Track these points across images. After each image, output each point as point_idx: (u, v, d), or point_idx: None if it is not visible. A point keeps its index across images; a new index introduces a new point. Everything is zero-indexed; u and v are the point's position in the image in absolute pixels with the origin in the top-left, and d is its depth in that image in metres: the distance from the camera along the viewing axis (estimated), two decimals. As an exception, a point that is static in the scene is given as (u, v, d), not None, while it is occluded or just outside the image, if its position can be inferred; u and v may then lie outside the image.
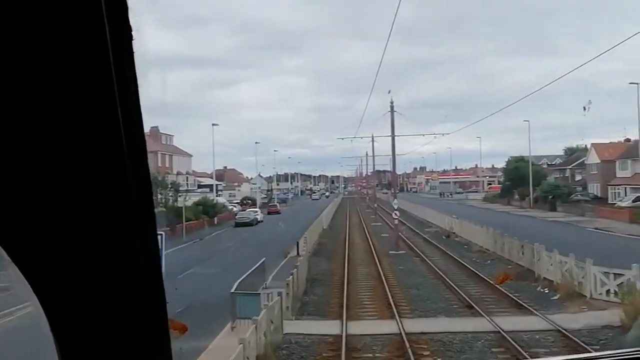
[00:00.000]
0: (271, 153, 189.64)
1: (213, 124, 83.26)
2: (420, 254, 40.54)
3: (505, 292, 26.62)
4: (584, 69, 79.78)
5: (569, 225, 58.19)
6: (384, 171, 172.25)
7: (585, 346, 17.45)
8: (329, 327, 21.58)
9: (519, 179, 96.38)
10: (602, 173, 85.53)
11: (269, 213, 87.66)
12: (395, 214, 45.41)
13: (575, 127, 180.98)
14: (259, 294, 21.24)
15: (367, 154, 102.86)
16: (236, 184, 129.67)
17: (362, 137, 66.86)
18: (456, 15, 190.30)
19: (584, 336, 18.95)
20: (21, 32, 0.92)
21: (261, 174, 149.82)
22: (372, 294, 27.64)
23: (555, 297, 25.36)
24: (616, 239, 44.74)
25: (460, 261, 36.00)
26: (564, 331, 19.50)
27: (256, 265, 27.66)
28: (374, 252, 41.94)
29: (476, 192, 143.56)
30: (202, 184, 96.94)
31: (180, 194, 64.24)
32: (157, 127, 78.06)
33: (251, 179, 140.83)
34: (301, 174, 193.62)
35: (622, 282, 23.17)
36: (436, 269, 33.50)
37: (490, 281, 29.17)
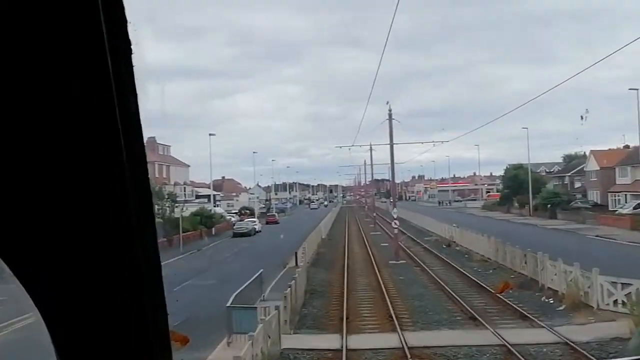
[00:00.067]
0: (269, 163, 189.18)
1: (210, 134, 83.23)
2: (421, 263, 39.86)
3: (509, 302, 25.95)
4: (582, 76, 79.47)
5: (570, 233, 57.58)
6: (383, 180, 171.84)
7: (595, 360, 16.83)
8: (328, 341, 20.90)
9: (518, 186, 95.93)
10: (602, 180, 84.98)
11: (267, 223, 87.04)
12: (395, 223, 44.74)
13: (572, 134, 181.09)
14: (256, 307, 20.57)
15: (365, 163, 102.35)
16: (234, 194, 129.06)
17: (360, 146, 66.61)
18: (453, 24, 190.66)
19: (593, 349, 18.29)
20: (22, 45, 0.92)
21: (259, 184, 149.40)
22: (373, 306, 26.96)
23: (561, 308, 24.70)
24: (619, 247, 44.11)
25: (462, 271, 35.33)
26: (572, 344, 18.83)
27: (253, 277, 27.03)
28: (373, 262, 41.27)
29: (475, 200, 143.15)
30: (200, 194, 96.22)
31: (177, 204, 63.46)
32: (154, 137, 77.52)
33: (249, 189, 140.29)
34: (299, 184, 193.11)
35: (630, 292, 22.52)
36: (437, 279, 32.83)
37: (493, 291, 28.49)
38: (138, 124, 1.04)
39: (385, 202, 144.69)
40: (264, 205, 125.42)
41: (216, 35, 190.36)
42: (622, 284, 23.11)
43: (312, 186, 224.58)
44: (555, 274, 27.41)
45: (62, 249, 1.00)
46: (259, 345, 16.74)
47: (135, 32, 1.03)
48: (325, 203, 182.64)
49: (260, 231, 74.02)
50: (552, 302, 26.05)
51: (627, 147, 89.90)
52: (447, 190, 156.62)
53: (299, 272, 29.41)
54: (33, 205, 0.97)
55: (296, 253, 38.58)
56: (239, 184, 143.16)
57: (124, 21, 1.01)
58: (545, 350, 18.82)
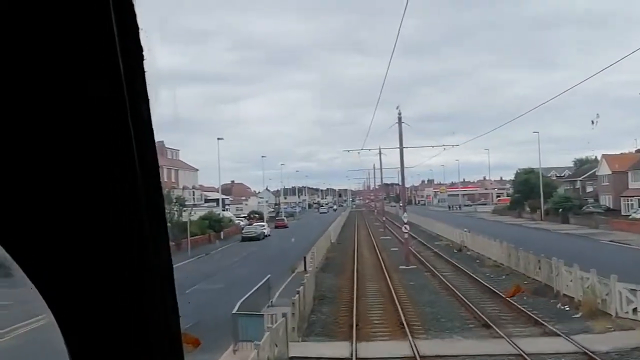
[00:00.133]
0: (279, 167, 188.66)
1: (218, 138, 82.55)
2: (432, 268, 39.14)
3: (523, 309, 25.21)
4: (592, 81, 78.49)
5: (583, 238, 56.69)
6: (392, 184, 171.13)
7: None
8: (337, 349, 20.26)
9: (528, 191, 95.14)
10: (614, 184, 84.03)
11: (276, 227, 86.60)
12: (405, 227, 44.01)
13: (582, 138, 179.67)
14: (262, 315, 19.95)
15: (374, 167, 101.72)
16: (244, 198, 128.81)
17: (369, 149, 65.86)
18: (460, 29, 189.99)
19: None
20: (35, 53, 0.94)
21: (269, 188, 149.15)
22: (383, 312, 26.28)
23: (577, 315, 23.94)
24: (635, 253, 43.21)
25: (474, 276, 34.58)
26: (591, 354, 18.11)
27: (260, 283, 26.44)
28: (383, 267, 40.58)
29: (485, 204, 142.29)
30: (209, 198, 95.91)
31: (185, 208, 63.00)
32: (162, 141, 77.08)
33: (259, 193, 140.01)
34: (309, 188, 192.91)
35: (650, 300, 21.77)
36: (449, 285, 32.10)
37: (508, 298, 27.75)
38: (150, 129, 1.05)
39: (394, 206, 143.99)
40: (273, 210, 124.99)
41: (225, 40, 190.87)
42: (642, 291, 22.35)
43: (321, 190, 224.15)
44: (571, 281, 26.64)
45: (76, 252, 1.00)
46: (266, 353, 16.13)
47: (147, 38, 1.04)
48: (335, 207, 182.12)
49: (269, 235, 73.50)
50: (567, 309, 25.29)
51: (639, 151, 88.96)
52: (457, 195, 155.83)
53: (307, 277, 28.77)
54: (46, 209, 0.98)
55: (305, 258, 37.93)
56: (249, 188, 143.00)
57: (135, 28, 1.02)
58: (563, 360, 18.12)
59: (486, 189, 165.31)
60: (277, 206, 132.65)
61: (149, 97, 1.06)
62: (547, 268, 29.91)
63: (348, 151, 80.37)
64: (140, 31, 1.03)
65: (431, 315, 25.09)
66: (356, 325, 23.14)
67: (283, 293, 29.71)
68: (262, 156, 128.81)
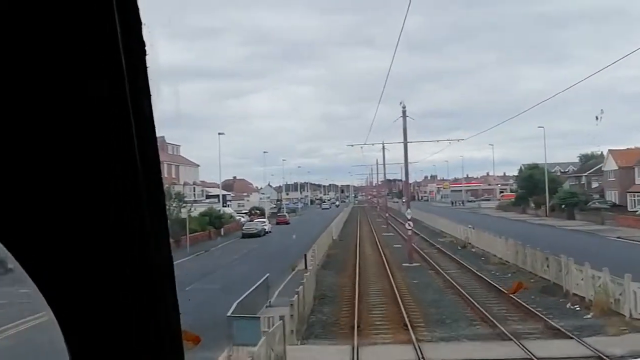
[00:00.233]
0: (281, 163, 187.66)
1: (219, 133, 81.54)
2: (436, 266, 38.14)
3: (532, 309, 24.22)
4: (597, 76, 77.38)
5: (589, 234, 55.66)
6: (395, 180, 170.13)
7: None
8: (338, 353, 19.31)
9: (533, 186, 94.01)
10: (621, 180, 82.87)
11: (277, 223, 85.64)
12: (409, 224, 42.94)
13: (587, 134, 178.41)
14: (259, 317, 18.97)
15: (377, 162, 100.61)
16: (245, 194, 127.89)
17: (372, 144, 64.81)
18: (465, 25, 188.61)
19: (630, 365, 16.58)
20: (37, 48, 0.95)
21: (271, 184, 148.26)
22: (386, 313, 25.28)
23: (589, 316, 22.95)
24: (643, 249, 42.16)
25: (479, 274, 33.57)
26: (605, 358, 17.11)
27: (259, 282, 25.50)
28: (386, 264, 39.57)
29: (488, 200, 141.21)
30: (210, 194, 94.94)
31: (184, 204, 62.04)
32: (163, 137, 76.18)
33: (261, 189, 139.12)
34: (311, 184, 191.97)
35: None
36: (454, 283, 31.10)
37: (514, 297, 26.76)
38: (152, 125, 1.05)
39: (397, 202, 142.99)
40: (274, 206, 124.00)
41: (229, 35, 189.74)
42: (657, 291, 21.35)
43: (324, 186, 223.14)
44: (582, 279, 25.63)
45: (77, 249, 1.00)
46: (261, 359, 15.17)
47: (150, 33, 1.03)
48: (337, 203, 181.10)
49: (270, 232, 72.55)
50: (578, 309, 24.30)
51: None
52: (460, 190, 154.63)
53: (307, 276, 27.77)
54: (46, 206, 0.98)
55: (305, 255, 36.95)
56: (250, 184, 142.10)
57: (138, 23, 1.02)
58: (576, 365, 17.14)
59: (489, 184, 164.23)
60: (279, 202, 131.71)
61: (151, 93, 1.04)
62: (555, 266, 28.90)
63: (351, 145, 79.65)
64: (142, 27, 1.01)
65: (436, 316, 24.10)
66: (358, 327, 22.18)
67: (282, 292, 28.78)
68: (264, 152, 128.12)
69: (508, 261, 36.84)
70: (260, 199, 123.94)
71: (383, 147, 70.45)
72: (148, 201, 1.04)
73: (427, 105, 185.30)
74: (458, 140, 55.32)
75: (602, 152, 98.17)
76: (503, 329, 21.23)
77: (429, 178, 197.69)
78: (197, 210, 69.18)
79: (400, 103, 45.14)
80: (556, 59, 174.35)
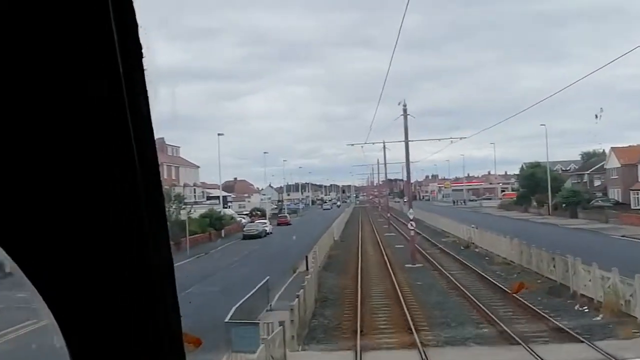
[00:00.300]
0: (281, 163, 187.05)
1: (219, 134, 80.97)
2: (439, 267, 37.49)
3: (539, 311, 23.58)
4: (597, 74, 76.66)
5: (593, 233, 54.99)
6: (396, 180, 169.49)
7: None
8: (340, 359, 18.66)
9: (535, 185, 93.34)
10: (623, 177, 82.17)
11: (278, 224, 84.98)
12: (411, 224, 42.30)
13: (587, 132, 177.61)
14: (257, 323, 18.32)
15: (378, 162, 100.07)
16: (246, 195, 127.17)
17: (373, 143, 64.02)
18: (463, 24, 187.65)
19: (644, 370, 15.93)
20: (34, 50, 0.95)
21: (272, 185, 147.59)
22: (389, 316, 24.64)
23: (598, 318, 22.30)
24: (650, 248, 41.47)
25: (484, 275, 32.94)
26: (619, 363, 16.47)
27: (258, 286, 24.90)
28: (388, 265, 38.93)
29: (490, 199, 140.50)
30: (211, 195, 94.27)
31: (184, 206, 61.40)
32: (162, 138, 75.55)
33: (262, 190, 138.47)
34: (312, 184, 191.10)
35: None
36: (458, 285, 30.46)
37: (520, 298, 26.13)
38: (149, 127, 1.05)
39: (398, 201, 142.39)
40: (276, 206, 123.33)
41: (226, 36, 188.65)
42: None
43: (325, 187, 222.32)
44: (590, 280, 24.98)
45: (76, 251, 1.00)
46: (261, 367, 14.56)
47: (146, 35, 1.03)
48: (338, 203, 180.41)
49: (271, 233, 71.89)
50: (587, 310, 23.66)
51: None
52: (462, 190, 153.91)
53: (308, 279, 27.13)
54: (44, 208, 0.98)
55: (307, 257, 36.31)
56: (251, 185, 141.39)
57: (134, 25, 1.02)
58: (589, 371, 16.50)
59: (491, 183, 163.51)
60: (280, 203, 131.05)
61: (149, 95, 1.04)
62: (562, 266, 28.25)
63: (352, 145, 78.79)
64: (139, 29, 1.01)
65: (441, 319, 23.44)
66: (361, 332, 21.54)
67: (283, 295, 28.16)
68: (264, 152, 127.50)
69: (513, 261, 36.21)
70: (261, 199, 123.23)
71: (384, 146, 69.96)
72: (147, 202, 1.03)
73: (425, 104, 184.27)
74: (460, 138, 54.67)
75: (604, 150, 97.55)
76: (510, 332, 20.59)
77: (430, 177, 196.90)
78: (198, 211, 68.57)
79: (399, 103, 44.63)
80: (555, 57, 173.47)
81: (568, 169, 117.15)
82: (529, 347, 18.48)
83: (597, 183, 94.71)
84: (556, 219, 74.60)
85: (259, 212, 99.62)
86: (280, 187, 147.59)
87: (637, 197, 78.44)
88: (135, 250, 1.02)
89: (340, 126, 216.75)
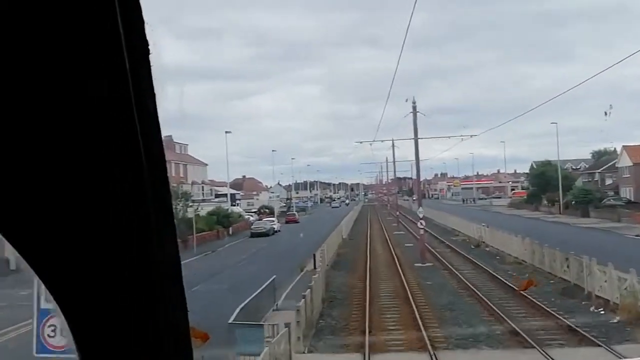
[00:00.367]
0: (290, 162, 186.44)
1: (226, 132, 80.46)
2: (449, 266, 36.81)
3: (553, 312, 22.88)
4: (606, 73, 75.43)
5: (606, 232, 54.12)
6: (405, 178, 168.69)
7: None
8: (348, 362, 18.07)
9: (545, 183, 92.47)
10: (636, 176, 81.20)
11: (286, 222, 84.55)
12: (421, 223, 41.59)
13: (597, 131, 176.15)
14: (262, 325, 17.72)
15: (387, 160, 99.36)
16: (255, 192, 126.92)
17: (382, 141, 63.25)
18: (471, 23, 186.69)
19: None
20: (40, 46, 0.94)
21: (280, 183, 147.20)
22: (399, 317, 23.99)
23: (615, 321, 21.56)
24: (665, 248, 40.60)
25: (495, 275, 32.23)
26: (639, 368, 15.78)
27: (264, 285, 24.32)
28: (397, 264, 38.27)
29: (500, 197, 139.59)
30: (219, 193, 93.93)
31: (191, 203, 60.92)
32: (170, 136, 75.32)
33: (270, 187, 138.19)
34: (320, 182, 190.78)
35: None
36: (469, 285, 29.78)
37: (533, 299, 25.45)
38: (156, 124, 1.04)
39: (407, 200, 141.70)
40: (284, 204, 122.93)
41: (234, 36, 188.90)
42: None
43: (334, 185, 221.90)
44: (605, 281, 24.25)
45: (83, 249, 1.00)
46: (265, 371, 13.97)
47: (152, 32, 1.02)
48: (347, 201, 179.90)
49: (279, 231, 71.39)
50: (602, 312, 22.94)
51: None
52: (471, 188, 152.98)
53: (315, 278, 26.50)
54: (51, 205, 0.98)
55: (314, 255, 35.71)
56: (260, 183, 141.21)
57: (141, 21, 1.01)
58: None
59: (500, 182, 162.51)
60: (288, 201, 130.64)
61: (156, 92, 1.04)
62: (576, 266, 27.50)
63: (360, 142, 77.60)
64: (145, 25, 1.01)
65: (452, 320, 22.77)
66: (369, 333, 20.91)
67: (290, 294, 27.61)
68: (273, 150, 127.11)
69: (524, 260, 35.48)
70: (270, 197, 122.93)
71: (393, 144, 69.23)
72: (153, 198, 1.02)
73: (434, 102, 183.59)
74: (470, 136, 53.88)
75: (615, 149, 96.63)
76: (524, 334, 19.92)
77: (439, 176, 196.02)
78: (205, 209, 68.13)
79: (407, 100, 43.92)
80: (562, 57, 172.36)
81: (578, 167, 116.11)
82: (544, 351, 17.81)
83: (608, 182, 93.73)
84: (567, 217, 73.72)
85: (267, 210, 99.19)
86: (289, 185, 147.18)
87: (650, 196, 77.44)
88: (142, 246, 1.02)
89: (348, 125, 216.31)
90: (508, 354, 18.30)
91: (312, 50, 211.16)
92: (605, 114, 66.22)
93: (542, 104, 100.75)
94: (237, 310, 18.31)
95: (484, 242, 46.79)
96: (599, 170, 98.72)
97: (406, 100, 43.95)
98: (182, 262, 1.09)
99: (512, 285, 28.57)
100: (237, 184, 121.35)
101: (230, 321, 17.06)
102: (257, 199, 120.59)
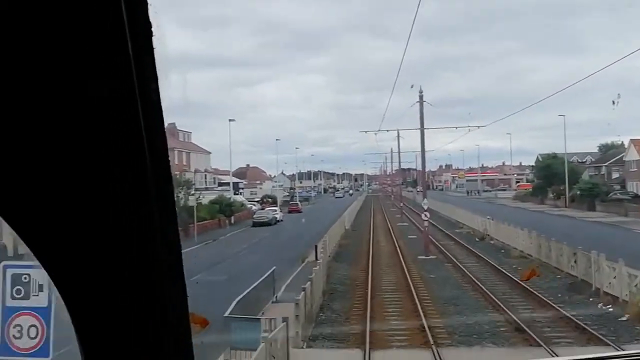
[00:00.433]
0: (294, 151, 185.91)
1: (230, 120, 79.56)
2: (453, 259, 36.14)
3: (560, 309, 22.22)
4: (615, 66, 74.18)
5: (614, 226, 53.33)
6: (409, 169, 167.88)
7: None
8: (347, 358, 17.44)
9: (551, 176, 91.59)
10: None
11: (289, 212, 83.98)
12: (425, 215, 40.86)
13: (605, 122, 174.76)
14: (259, 319, 17.09)
15: (391, 151, 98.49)
16: (258, 182, 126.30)
17: (387, 131, 62.20)
18: (479, 14, 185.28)
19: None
20: (39, 26, 0.94)
21: (284, 172, 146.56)
22: (401, 312, 23.37)
23: (624, 319, 20.91)
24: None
25: (500, 269, 31.56)
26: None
27: (264, 276, 23.75)
28: (401, 256, 37.62)
29: (504, 190, 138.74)
30: (222, 181, 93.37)
31: (193, 192, 60.33)
32: (173, 123, 74.59)
33: (274, 177, 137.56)
34: (324, 172, 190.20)
35: None
36: (473, 279, 29.12)
37: (539, 294, 24.81)
38: (159, 110, 1.03)
39: (411, 191, 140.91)
40: (288, 194, 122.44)
41: (240, 24, 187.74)
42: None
43: (338, 175, 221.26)
44: (615, 277, 23.57)
45: (84, 235, 1.00)
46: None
47: (156, 14, 1.01)
48: (351, 192, 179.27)
49: (281, 220, 70.80)
50: (611, 309, 22.26)
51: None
52: (476, 180, 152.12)
53: (316, 270, 25.86)
54: (53, 193, 0.98)
55: (316, 246, 35.09)
56: (264, 172, 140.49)
57: (144, 3, 1.00)
58: (617, 377, 15.13)
59: (505, 174, 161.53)
60: (292, 190, 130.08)
61: (160, 78, 1.02)
62: (584, 262, 26.81)
63: (365, 132, 76.47)
64: (149, 6, 0.99)
65: (456, 316, 22.11)
66: (370, 328, 20.28)
67: (291, 286, 27.00)
68: (277, 139, 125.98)
69: (530, 254, 34.83)
70: (273, 187, 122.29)
71: (398, 134, 68.20)
72: (155, 183, 1.00)
73: (441, 93, 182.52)
74: (478, 127, 52.80)
75: (622, 142, 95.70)
76: (530, 331, 19.29)
77: (443, 167, 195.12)
78: (207, 197, 67.54)
79: (412, 86, 43.15)
80: (570, 49, 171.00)
81: (584, 160, 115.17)
82: (551, 349, 17.15)
83: (615, 175, 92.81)
84: (573, 211, 72.96)
85: (269, 199, 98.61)
86: (293, 174, 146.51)
87: (657, 191, 76.60)
88: (145, 245, 1.01)
89: (353, 115, 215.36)
90: (514, 351, 17.65)
91: (318, 39, 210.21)
92: (613, 102, 65.23)
93: (549, 97, 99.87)
94: (234, 303, 17.69)
95: (488, 235, 46.13)
96: (605, 164, 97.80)
97: (411, 86, 43.16)
98: (182, 251, 1.06)
99: (517, 280, 27.90)
100: (240, 173, 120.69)
101: (226, 314, 16.43)
102: (261, 188, 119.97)
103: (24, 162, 0.93)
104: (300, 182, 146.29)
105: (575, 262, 28.03)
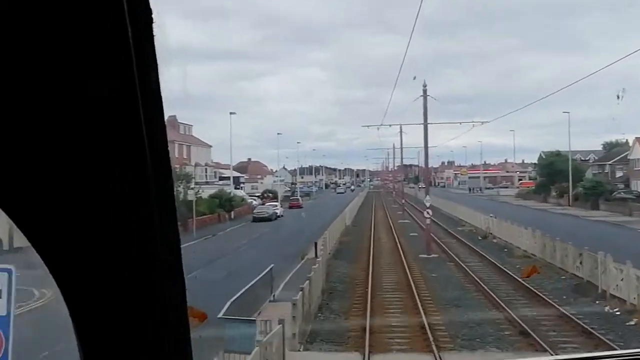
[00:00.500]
0: (296, 146, 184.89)
1: (231, 113, 78.84)
2: (455, 258, 35.49)
3: (566, 312, 21.59)
4: (618, 64, 73.44)
5: (618, 226, 52.63)
6: (411, 165, 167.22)
7: None
8: (346, 362, 16.85)
9: (554, 174, 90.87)
10: (648, 169, 79.65)
11: (290, 207, 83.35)
12: (428, 212, 40.16)
13: (608, 119, 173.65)
14: (254, 321, 16.47)
15: (394, 146, 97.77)
16: (259, 176, 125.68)
17: (390, 125, 61.36)
18: (482, 11, 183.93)
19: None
20: (37, 16, 0.94)
21: (286, 167, 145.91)
22: (402, 312, 22.74)
23: (632, 323, 20.30)
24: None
25: (503, 269, 30.91)
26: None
27: (261, 275, 23.17)
28: (402, 254, 36.98)
29: (507, 187, 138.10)
30: (223, 175, 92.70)
31: (192, 186, 59.70)
32: (174, 116, 73.97)
33: (275, 171, 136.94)
34: (326, 167, 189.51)
35: None
36: (476, 279, 28.48)
37: (544, 296, 24.19)
38: (159, 100, 1.03)
39: (413, 187, 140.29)
40: (289, 189, 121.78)
41: (242, 17, 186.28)
42: None
43: (339, 170, 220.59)
44: (622, 279, 22.92)
45: (84, 230, 1.00)
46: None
47: (157, 1, 1.01)
48: (352, 187, 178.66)
49: (282, 216, 70.19)
50: (618, 313, 21.64)
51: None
52: (478, 177, 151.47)
53: (315, 268, 25.25)
54: (53, 189, 0.98)
55: (316, 243, 34.46)
56: (265, 166, 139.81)
57: None
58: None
59: (508, 171, 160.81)
60: (293, 185, 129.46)
61: (160, 70, 1.01)
62: (590, 263, 26.15)
63: (367, 127, 75.30)
64: None
65: (459, 318, 21.47)
66: (370, 330, 19.66)
67: (289, 284, 26.40)
68: (278, 134, 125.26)
69: (534, 254, 34.18)
70: (274, 181, 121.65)
71: (400, 129, 67.33)
72: (155, 177, 1.00)
73: (445, 90, 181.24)
74: (482, 122, 51.87)
75: (627, 140, 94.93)
76: (535, 335, 18.66)
77: (446, 164, 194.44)
78: (208, 192, 66.91)
79: (415, 77, 42.65)
80: (574, 46, 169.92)
81: (587, 158, 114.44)
82: (557, 355, 16.49)
83: (619, 174, 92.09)
84: (576, 210, 72.24)
85: (270, 194, 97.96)
86: (294, 169, 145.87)
87: (662, 190, 75.93)
88: (144, 245, 1.00)
89: (355, 110, 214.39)
90: (519, 356, 17.01)
91: (320, 34, 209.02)
92: (618, 97, 64.51)
93: (552, 94, 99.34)
94: (228, 303, 17.06)
95: (491, 234, 45.48)
96: (609, 162, 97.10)
97: (414, 78, 42.34)
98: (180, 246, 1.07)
99: (521, 281, 27.25)
100: (242, 167, 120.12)
101: (219, 315, 15.79)
102: (262, 183, 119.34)
103: (25, 160, 0.92)
104: (302, 177, 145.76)
105: (580, 262, 27.39)
